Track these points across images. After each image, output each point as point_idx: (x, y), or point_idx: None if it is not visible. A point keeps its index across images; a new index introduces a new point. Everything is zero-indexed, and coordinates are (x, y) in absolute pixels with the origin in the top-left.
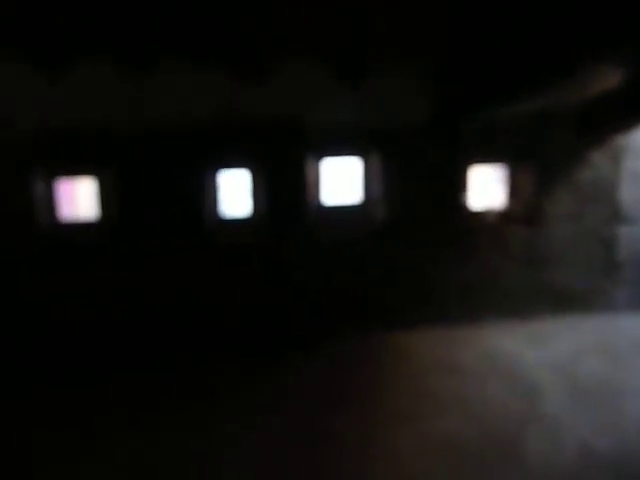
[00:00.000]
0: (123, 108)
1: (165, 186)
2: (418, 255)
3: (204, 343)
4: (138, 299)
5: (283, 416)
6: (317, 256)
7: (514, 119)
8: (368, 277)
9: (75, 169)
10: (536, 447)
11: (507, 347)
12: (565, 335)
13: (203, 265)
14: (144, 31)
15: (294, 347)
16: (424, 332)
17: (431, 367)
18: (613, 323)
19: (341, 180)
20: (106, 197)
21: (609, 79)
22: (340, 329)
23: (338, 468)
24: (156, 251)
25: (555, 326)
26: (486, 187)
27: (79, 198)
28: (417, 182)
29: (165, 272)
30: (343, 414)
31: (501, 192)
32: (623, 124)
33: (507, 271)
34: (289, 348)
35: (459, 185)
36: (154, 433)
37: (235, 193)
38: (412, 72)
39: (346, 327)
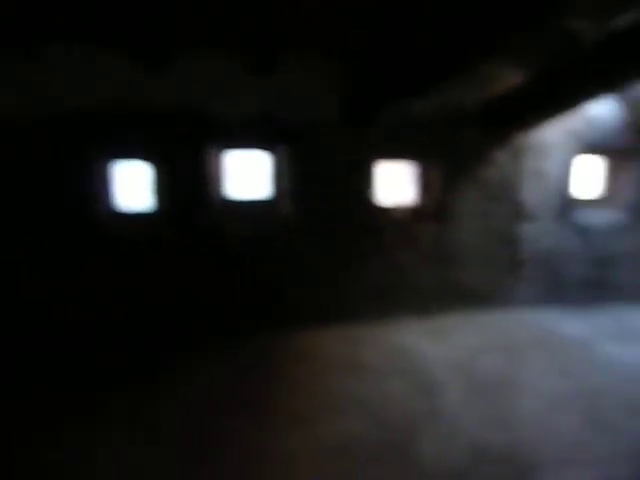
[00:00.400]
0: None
1: (47, 176)
2: (326, 252)
3: (95, 342)
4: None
5: (167, 424)
6: (220, 252)
7: (423, 117)
8: (275, 274)
9: None
10: (430, 447)
11: (411, 344)
12: (468, 331)
13: (94, 262)
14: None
15: (192, 347)
16: (331, 330)
17: (334, 366)
18: (515, 318)
19: (249, 174)
20: None
21: (510, 79)
22: (244, 328)
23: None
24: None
25: (460, 322)
26: (396, 184)
27: None
28: (326, 178)
29: (50, 270)
30: (235, 418)
31: (410, 189)
32: (523, 124)
33: (415, 268)
34: (187, 348)
35: (368, 181)
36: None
37: (135, 185)
38: (321, 68)
39: (250, 325)
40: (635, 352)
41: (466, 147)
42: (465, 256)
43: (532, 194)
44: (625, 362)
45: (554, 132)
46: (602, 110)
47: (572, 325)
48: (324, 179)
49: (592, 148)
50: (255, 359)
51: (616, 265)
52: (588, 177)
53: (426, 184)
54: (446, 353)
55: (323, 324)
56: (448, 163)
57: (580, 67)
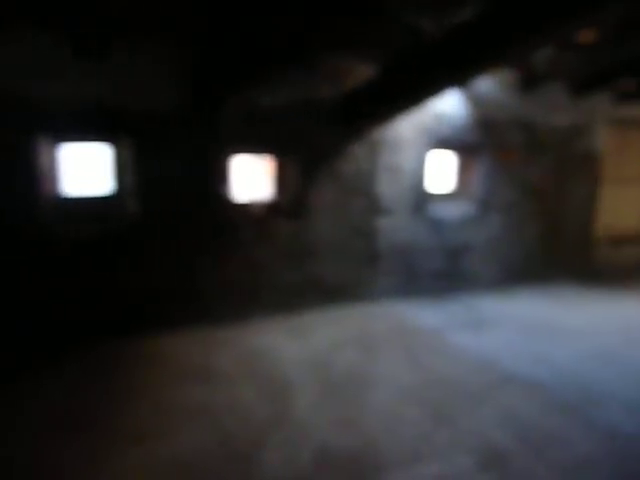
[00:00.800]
0: None
1: None
2: (178, 251)
3: None
4: None
5: None
6: (54, 254)
7: (278, 110)
8: (121, 277)
9: None
10: (275, 455)
11: (269, 345)
12: (327, 327)
13: None
14: None
15: (20, 363)
16: (185, 334)
17: (184, 374)
18: (373, 312)
19: (88, 169)
20: None
21: (365, 73)
22: (86, 337)
23: None
24: None
25: (320, 319)
26: (252, 179)
27: None
28: (175, 172)
29: None
30: (63, 438)
31: (267, 184)
32: (376, 118)
33: (274, 265)
34: (14, 365)
35: (222, 176)
36: None
37: None
38: (162, 54)
39: (94, 334)
40: (483, 340)
41: (323, 141)
42: (324, 251)
43: (388, 188)
44: (473, 351)
45: (407, 127)
46: (451, 107)
47: (427, 316)
48: (173, 173)
49: (443, 143)
50: (97, 371)
51: (467, 256)
52: (441, 172)
53: (283, 179)
54: (303, 352)
55: (176, 328)
56: (305, 157)
57: (423, 62)
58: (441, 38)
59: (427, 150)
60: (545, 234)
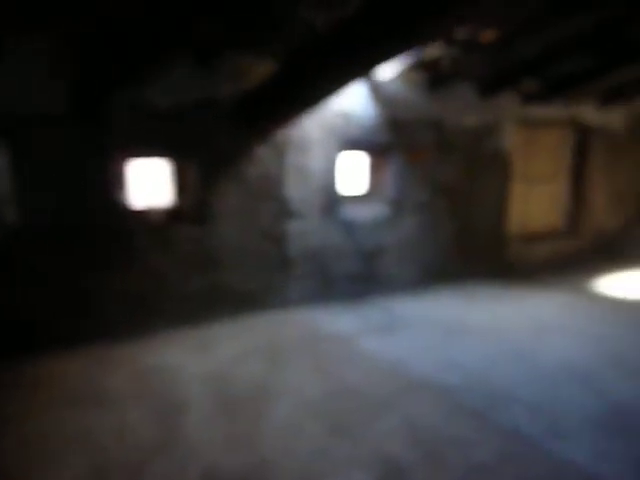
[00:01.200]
0: None
1: None
2: (68, 263)
3: None
4: None
5: None
6: None
7: (176, 110)
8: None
9: None
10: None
11: (168, 362)
12: (234, 338)
13: None
14: None
15: None
16: (79, 354)
17: (70, 397)
18: (284, 320)
19: None
20: None
21: (264, 70)
22: None
23: None
24: None
25: (227, 330)
26: (151, 183)
27: None
28: (60, 177)
29: None
30: None
31: (167, 188)
32: (278, 117)
33: (177, 275)
34: None
35: (116, 181)
36: None
37: None
38: (41, 53)
39: None
40: (395, 345)
41: (226, 143)
42: (231, 258)
43: (297, 191)
44: (384, 357)
45: (315, 128)
46: (359, 107)
47: (341, 321)
48: (58, 178)
49: (352, 144)
50: None
51: (382, 258)
52: (353, 173)
53: (184, 183)
54: (204, 367)
55: (71, 347)
56: (207, 160)
57: (317, 58)
58: (331, 33)
59: (337, 151)
60: (459, 233)
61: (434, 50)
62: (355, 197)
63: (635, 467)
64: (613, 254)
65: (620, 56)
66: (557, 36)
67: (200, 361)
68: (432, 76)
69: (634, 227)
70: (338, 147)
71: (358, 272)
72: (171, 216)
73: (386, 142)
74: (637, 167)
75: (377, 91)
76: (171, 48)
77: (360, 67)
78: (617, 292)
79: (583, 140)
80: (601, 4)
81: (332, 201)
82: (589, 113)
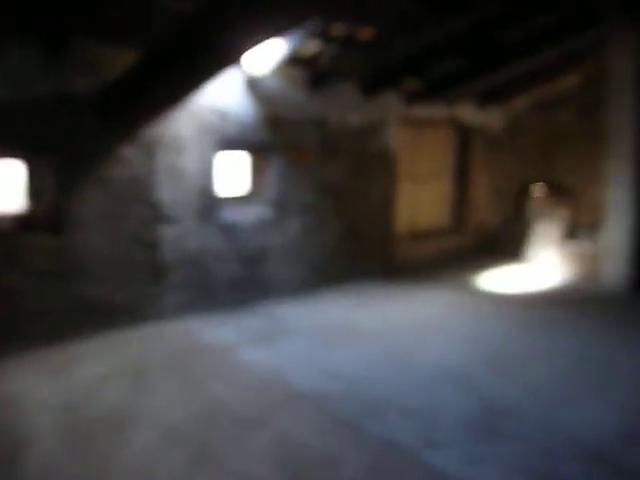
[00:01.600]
0: None
1: None
2: None
3: None
4: None
5: None
6: None
7: (21, 104)
8: None
9: None
10: None
11: (15, 390)
12: (99, 358)
13: None
14: None
15: None
16: None
17: None
18: (158, 333)
19: None
20: None
21: (124, 62)
22: None
23: None
24: None
25: (92, 348)
26: None
27: None
28: None
29: None
30: None
31: (16, 193)
32: (142, 112)
33: (30, 290)
34: None
35: None
36: None
37: None
38: None
39: None
40: (276, 354)
41: (86, 141)
42: (97, 268)
43: (170, 193)
44: (262, 368)
45: (188, 127)
46: (236, 104)
47: (220, 332)
48: None
49: (230, 144)
50: None
51: (266, 262)
52: (233, 174)
53: (35, 187)
54: (57, 394)
55: None
56: (62, 160)
57: (179, 45)
58: (190, 19)
59: (213, 151)
60: (346, 234)
61: (311, 46)
62: (236, 199)
63: (507, 470)
64: (494, 250)
65: (493, 58)
66: (434, 37)
67: (54, 387)
68: (312, 73)
69: (512, 223)
70: (214, 146)
71: (240, 277)
72: (22, 224)
73: (266, 141)
74: (514, 166)
75: (254, 87)
76: (6, 33)
77: (224, 55)
78: (496, 287)
79: (465, 140)
80: (470, 5)
81: (210, 203)
82: (469, 113)
